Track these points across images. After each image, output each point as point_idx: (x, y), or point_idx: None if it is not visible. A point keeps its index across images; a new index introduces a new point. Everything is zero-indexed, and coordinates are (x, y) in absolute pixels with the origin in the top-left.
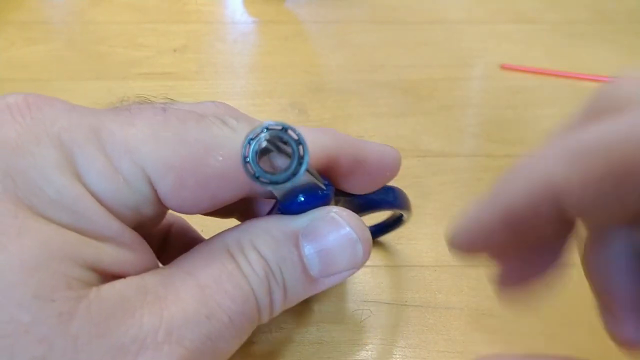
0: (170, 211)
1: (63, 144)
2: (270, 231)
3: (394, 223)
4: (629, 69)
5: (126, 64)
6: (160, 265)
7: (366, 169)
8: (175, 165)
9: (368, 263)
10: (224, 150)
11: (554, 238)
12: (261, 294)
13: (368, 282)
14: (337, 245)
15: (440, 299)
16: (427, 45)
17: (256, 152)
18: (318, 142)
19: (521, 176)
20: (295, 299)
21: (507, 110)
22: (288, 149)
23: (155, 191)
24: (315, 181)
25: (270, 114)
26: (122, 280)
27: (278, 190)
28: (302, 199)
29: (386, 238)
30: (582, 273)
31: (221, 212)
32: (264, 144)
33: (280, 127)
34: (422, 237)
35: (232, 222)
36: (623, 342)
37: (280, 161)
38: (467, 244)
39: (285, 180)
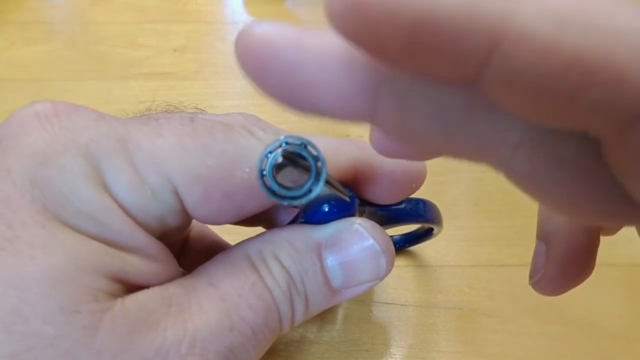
0: None
1: (91, 154)
2: (292, 242)
3: (422, 235)
4: None
5: (126, 64)
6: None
7: (391, 180)
8: (202, 176)
9: None
10: (251, 162)
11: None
12: (283, 306)
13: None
14: (360, 257)
15: (440, 299)
16: None
17: (273, 167)
18: (343, 152)
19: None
20: (317, 310)
21: None
22: (306, 164)
23: (181, 202)
24: (338, 192)
25: (270, 114)
26: (145, 292)
27: (298, 204)
28: (326, 209)
29: None
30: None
31: (246, 221)
32: (280, 159)
33: (299, 143)
34: None
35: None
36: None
37: (299, 176)
38: (355, 17)
39: (302, 196)
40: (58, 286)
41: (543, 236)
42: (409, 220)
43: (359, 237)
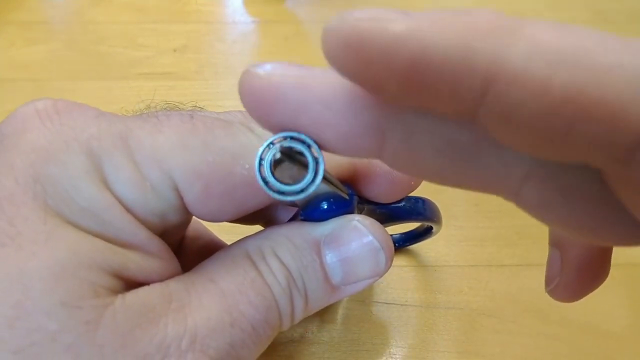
0: None
1: (92, 151)
2: (292, 238)
3: (422, 234)
4: None
5: (126, 64)
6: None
7: (390, 178)
8: (203, 173)
9: None
10: (250, 159)
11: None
12: (283, 302)
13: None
14: (359, 253)
15: (440, 299)
16: None
17: (271, 163)
18: None
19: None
20: (317, 306)
21: None
22: (304, 159)
23: (181, 199)
24: (337, 189)
25: None
26: (146, 288)
27: (298, 200)
28: (325, 206)
29: None
30: None
31: (246, 219)
32: (278, 155)
33: (296, 138)
34: None
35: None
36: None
37: (297, 172)
38: (350, 57)
39: (301, 192)
40: (60, 282)
41: (556, 243)
42: (408, 218)
43: (358, 233)
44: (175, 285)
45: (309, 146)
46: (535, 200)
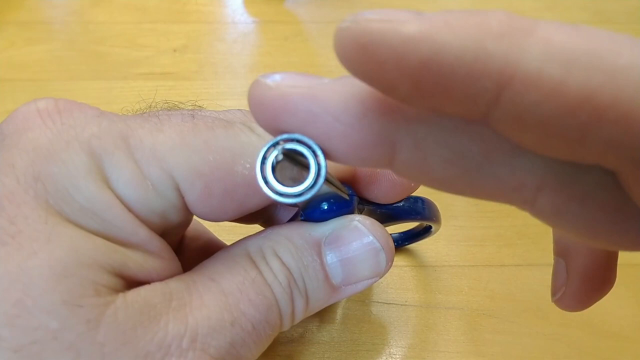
0: None
1: (93, 150)
2: (292, 239)
3: (421, 233)
4: None
5: (126, 64)
6: None
7: (390, 179)
8: (204, 172)
9: None
10: (251, 158)
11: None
12: (284, 302)
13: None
14: (360, 253)
15: (440, 299)
16: None
17: (272, 165)
18: None
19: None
20: (317, 306)
21: None
22: (305, 161)
23: (182, 198)
24: (338, 190)
25: None
26: (147, 287)
27: (298, 202)
28: (325, 207)
29: None
30: None
31: (246, 218)
32: (280, 156)
33: (298, 140)
34: None
35: (255, 227)
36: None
37: (299, 173)
38: (362, 57)
39: (303, 194)
40: (61, 280)
41: (561, 252)
42: (408, 218)
43: (359, 234)
44: (176, 285)
45: (310, 148)
46: (551, 209)
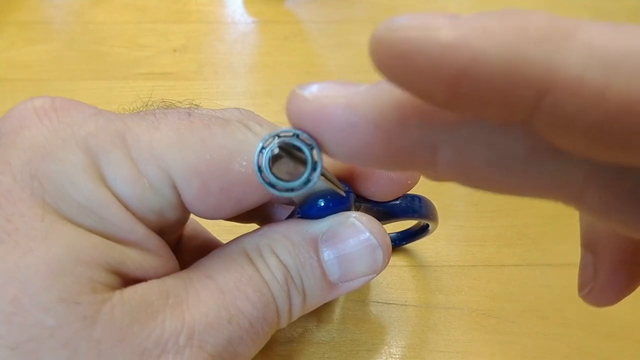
0: None
1: (90, 148)
2: (289, 236)
3: (418, 232)
4: None
5: (126, 64)
6: None
7: (387, 177)
8: (201, 170)
9: None
10: (248, 156)
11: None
12: (281, 299)
13: (368, 282)
14: (356, 250)
15: (440, 299)
16: None
17: (269, 160)
18: None
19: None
20: (315, 303)
21: None
22: (302, 155)
23: (179, 196)
24: (335, 187)
25: (270, 114)
26: (144, 284)
27: (296, 197)
28: (322, 204)
29: None
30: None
31: (243, 217)
32: (277, 151)
33: (292, 134)
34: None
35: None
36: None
37: (295, 168)
38: (398, 64)
39: (300, 187)
40: (57, 278)
41: (589, 246)
42: (405, 216)
43: (355, 230)
44: (173, 282)
45: (307, 143)
46: (598, 204)
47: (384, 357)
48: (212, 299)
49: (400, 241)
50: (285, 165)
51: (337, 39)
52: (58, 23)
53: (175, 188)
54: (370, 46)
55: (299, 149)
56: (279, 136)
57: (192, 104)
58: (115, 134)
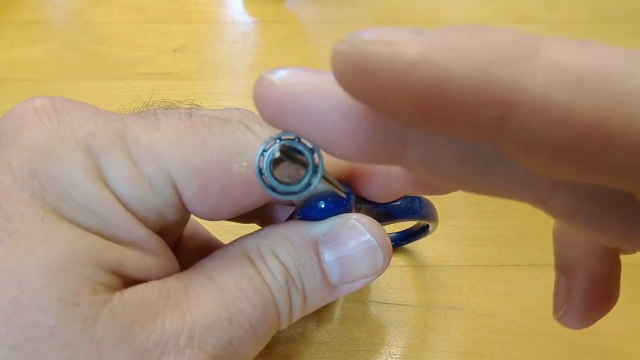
0: None
1: (90, 148)
2: (289, 237)
3: (418, 232)
4: None
5: (126, 64)
6: None
7: (387, 177)
8: (201, 170)
9: None
10: (248, 157)
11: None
12: (281, 300)
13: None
14: (357, 252)
15: (440, 299)
16: None
17: (270, 163)
18: None
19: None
20: (315, 305)
21: None
22: (303, 158)
23: (179, 196)
24: (335, 189)
25: None
26: (144, 285)
27: (296, 199)
28: (322, 205)
29: None
30: None
31: (243, 217)
32: (278, 154)
33: (293, 137)
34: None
35: (252, 227)
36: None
37: (296, 171)
38: (361, 82)
39: (301, 191)
40: (57, 278)
41: (562, 269)
42: (405, 217)
43: (356, 232)
44: (174, 283)
45: (308, 146)
46: (565, 208)
47: (384, 357)
48: (213, 300)
49: (400, 241)
50: (286, 168)
51: (337, 39)
52: (58, 23)
53: (175, 188)
54: (331, 61)
55: (300, 152)
56: (280, 139)
57: (192, 104)
58: (116, 134)
